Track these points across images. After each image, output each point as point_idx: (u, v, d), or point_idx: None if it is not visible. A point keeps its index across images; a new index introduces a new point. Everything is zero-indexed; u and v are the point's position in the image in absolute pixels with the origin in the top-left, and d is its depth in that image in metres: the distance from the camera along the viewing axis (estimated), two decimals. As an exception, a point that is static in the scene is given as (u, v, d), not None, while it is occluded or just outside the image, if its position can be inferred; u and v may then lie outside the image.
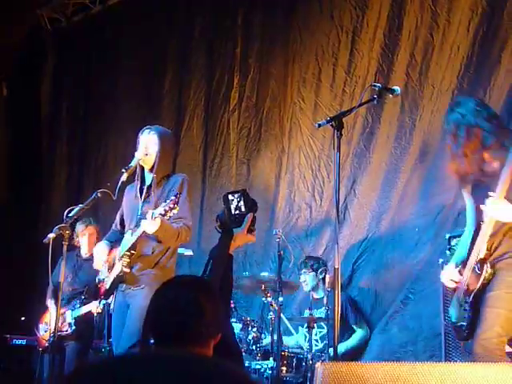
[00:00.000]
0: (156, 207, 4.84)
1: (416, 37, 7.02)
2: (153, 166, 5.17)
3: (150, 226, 4.78)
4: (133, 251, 4.99)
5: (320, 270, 6.91)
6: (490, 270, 4.23)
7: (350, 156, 7.39)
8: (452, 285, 4.60)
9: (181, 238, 5.06)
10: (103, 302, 5.82)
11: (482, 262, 4.26)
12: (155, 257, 5.09)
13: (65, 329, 6.90)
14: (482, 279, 4.23)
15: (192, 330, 2.59)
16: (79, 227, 7.26)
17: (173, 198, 4.71)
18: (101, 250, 5.23)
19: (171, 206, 4.67)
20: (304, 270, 6.95)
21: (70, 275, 7.13)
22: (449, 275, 4.59)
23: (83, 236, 7.28)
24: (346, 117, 4.34)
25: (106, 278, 5.17)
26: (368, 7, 7.48)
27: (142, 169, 5.28)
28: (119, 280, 5.06)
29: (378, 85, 4.44)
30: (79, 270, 7.27)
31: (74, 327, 6.91)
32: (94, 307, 6.79)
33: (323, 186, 7.64)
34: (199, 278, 3.02)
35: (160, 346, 2.62)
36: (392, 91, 4.48)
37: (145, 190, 5.21)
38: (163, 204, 4.73)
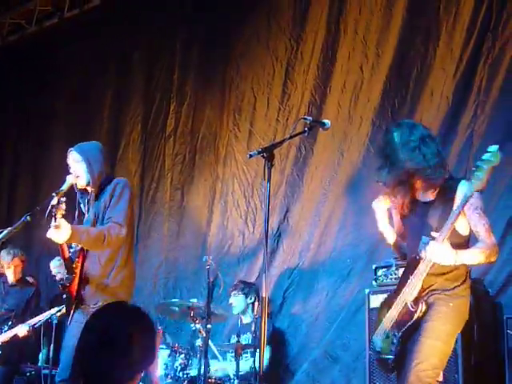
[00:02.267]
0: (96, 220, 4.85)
1: (348, 69, 7.18)
2: (87, 184, 5.13)
3: (53, 233, 4.65)
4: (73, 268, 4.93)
5: (250, 295, 6.95)
6: (424, 308, 4.19)
7: (284, 185, 7.47)
8: None
9: (109, 240, 4.84)
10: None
11: (416, 300, 4.21)
12: (102, 275, 4.96)
13: None
14: (415, 316, 4.20)
15: (121, 369, 2.54)
16: (5, 258, 7.25)
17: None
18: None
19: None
20: (234, 292, 6.98)
21: None
22: None
23: (9, 268, 7.28)
24: (276, 148, 4.38)
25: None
26: (303, 39, 7.62)
27: (80, 189, 5.23)
28: (70, 300, 4.93)
29: (309, 118, 4.47)
30: (6, 295, 7.22)
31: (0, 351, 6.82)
32: (21, 331, 6.72)
33: (256, 213, 7.69)
34: (125, 305, 2.89)
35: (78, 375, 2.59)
36: (322, 124, 4.51)
37: (86, 205, 5.15)
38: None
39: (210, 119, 8.45)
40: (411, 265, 4.30)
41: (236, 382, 5.97)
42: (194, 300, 6.44)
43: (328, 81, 7.32)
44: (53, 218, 4.58)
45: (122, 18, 9.57)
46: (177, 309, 6.45)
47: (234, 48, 8.38)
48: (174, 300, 6.95)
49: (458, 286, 4.26)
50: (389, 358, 4.34)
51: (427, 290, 4.25)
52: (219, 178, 8.16)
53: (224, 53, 8.46)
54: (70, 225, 4.67)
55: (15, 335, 6.79)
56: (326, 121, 4.52)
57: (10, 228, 5.01)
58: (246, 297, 6.96)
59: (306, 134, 4.51)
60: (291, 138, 4.62)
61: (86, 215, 5.08)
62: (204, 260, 6.38)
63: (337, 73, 7.27)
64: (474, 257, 4.13)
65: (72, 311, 5.00)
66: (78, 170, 5.09)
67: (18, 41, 10.69)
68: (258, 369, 4.21)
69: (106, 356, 2.53)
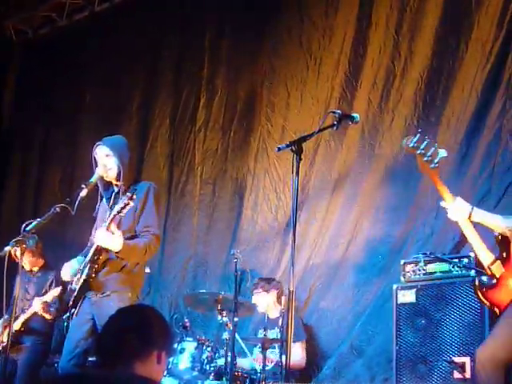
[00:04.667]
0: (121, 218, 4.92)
1: (379, 64, 7.14)
2: (117, 177, 5.19)
3: (105, 238, 4.85)
4: (97, 257, 4.99)
5: (271, 291, 6.95)
6: None
7: (313, 179, 7.46)
8: None
9: (150, 252, 5.09)
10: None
11: None
12: (122, 260, 5.08)
13: (4, 341, 6.89)
14: None
15: (130, 345, 2.67)
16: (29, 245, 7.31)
17: (128, 194, 4.78)
18: (69, 265, 5.22)
19: (126, 202, 4.74)
20: (255, 291, 6.99)
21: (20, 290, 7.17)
22: None
23: (29, 255, 7.26)
24: (305, 141, 4.37)
25: (75, 286, 5.13)
26: (334, 34, 7.59)
27: (105, 183, 5.30)
28: (86, 287, 5.04)
29: (338, 111, 4.47)
30: (28, 284, 7.30)
31: (12, 339, 6.90)
32: (35, 304, 6.95)
33: (286, 208, 7.67)
34: (147, 307, 3.04)
35: (103, 360, 2.69)
36: (351, 118, 4.50)
37: (112, 198, 5.23)
38: (118, 204, 4.81)
39: (241, 114, 8.44)
40: None
41: (262, 376, 5.97)
42: (222, 293, 6.46)
43: (359, 76, 7.29)
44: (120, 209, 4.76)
45: (151, 12, 9.59)
46: (204, 301, 6.46)
47: (265, 43, 8.35)
48: (201, 291, 6.97)
49: None
50: None
51: None
52: (250, 172, 8.15)
53: (255, 47, 8.44)
54: (123, 239, 4.85)
55: (34, 313, 6.93)
56: (355, 114, 4.52)
57: (39, 219, 5.05)
58: (268, 293, 6.96)
59: (335, 128, 4.50)
60: (320, 131, 4.60)
61: (113, 204, 5.14)
62: (232, 253, 6.39)
63: (368, 68, 7.23)
64: None
65: (80, 302, 5.09)
66: (109, 163, 5.15)
67: (48, 34, 10.77)
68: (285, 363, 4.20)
69: (124, 337, 2.68)
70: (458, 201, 4.45)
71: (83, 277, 5.03)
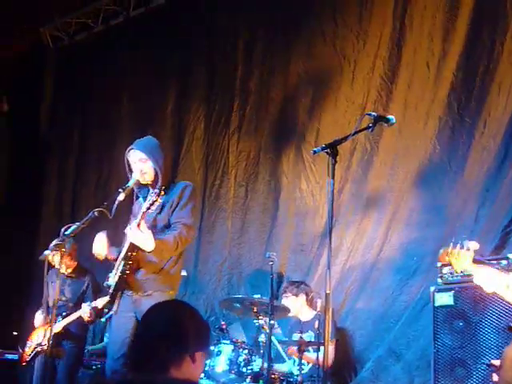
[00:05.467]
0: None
1: (414, 66, 7.11)
2: (154, 181, 5.23)
3: (136, 235, 4.88)
4: (131, 254, 5.03)
5: (300, 294, 6.95)
6: None
7: (349, 182, 7.44)
8: None
9: (182, 243, 5.07)
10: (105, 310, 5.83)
11: None
12: (160, 262, 5.11)
13: (44, 343, 6.95)
14: None
15: (165, 351, 2.67)
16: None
17: (156, 190, 4.87)
18: (100, 239, 5.25)
19: (154, 199, 4.82)
20: (284, 295, 7.00)
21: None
22: None
23: (66, 257, 7.29)
24: (341, 144, 4.37)
25: (111, 283, 5.16)
26: (369, 36, 7.57)
27: (140, 186, 5.34)
28: (122, 283, 5.08)
29: (373, 114, 4.47)
30: (63, 286, 7.35)
31: (51, 341, 6.95)
32: (84, 311, 6.91)
33: (322, 211, 7.64)
34: (182, 303, 3.01)
35: (136, 367, 2.71)
36: (387, 120, 4.50)
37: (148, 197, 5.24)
38: (147, 201, 4.87)
39: (275, 117, 8.44)
40: None
41: (299, 378, 5.97)
42: (258, 296, 6.47)
43: (394, 77, 7.26)
44: (149, 206, 4.84)
45: (185, 16, 9.66)
46: (240, 305, 6.47)
47: (299, 45, 8.34)
48: (237, 296, 6.99)
49: None
50: None
51: None
52: (285, 175, 8.14)
53: (289, 50, 8.43)
54: (153, 237, 4.88)
55: (79, 317, 6.95)
56: (390, 116, 4.51)
57: (78, 223, 5.10)
58: (297, 296, 6.96)
59: (371, 130, 4.50)
60: (355, 134, 4.59)
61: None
62: (268, 256, 6.39)
63: (403, 69, 7.20)
64: None
65: (118, 300, 5.12)
66: (144, 167, 5.19)
67: (84, 40, 10.89)
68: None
69: (161, 349, 2.67)
70: None
71: (118, 273, 5.05)
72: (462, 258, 4.29)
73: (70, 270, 7.45)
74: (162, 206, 5.13)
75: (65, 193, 10.68)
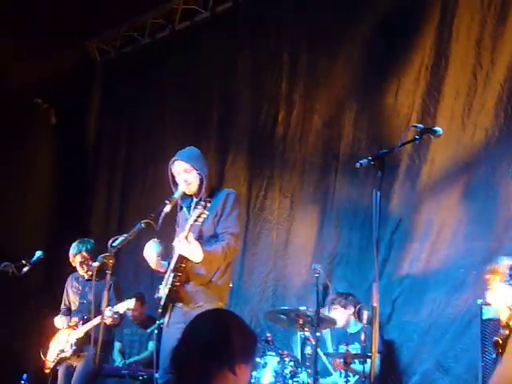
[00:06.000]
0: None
1: (460, 76, 7.05)
2: (199, 190, 5.28)
3: (185, 247, 4.94)
4: (180, 265, 5.07)
5: (348, 306, 6.92)
6: None
7: (396, 194, 7.37)
8: None
9: (230, 253, 5.13)
10: (158, 322, 5.84)
11: None
12: (208, 274, 5.16)
13: (66, 349, 7.00)
14: None
15: (209, 363, 2.63)
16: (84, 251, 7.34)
17: (202, 203, 4.91)
18: (149, 249, 5.28)
19: (201, 211, 4.86)
20: (332, 307, 6.98)
21: (77, 297, 7.32)
22: None
23: (84, 261, 7.32)
24: (387, 156, 4.35)
25: (162, 295, 5.21)
26: (414, 46, 7.52)
27: (184, 195, 5.38)
28: (172, 295, 5.12)
29: (420, 126, 4.45)
30: (84, 290, 7.38)
31: (74, 348, 6.99)
32: (106, 315, 6.79)
33: (368, 223, 7.58)
34: (228, 312, 2.98)
35: (179, 377, 2.68)
36: (433, 132, 4.46)
37: (192, 207, 5.31)
38: (193, 213, 4.91)
39: (319, 128, 8.42)
40: None
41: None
42: (303, 308, 6.46)
43: (440, 88, 7.19)
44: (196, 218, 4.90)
45: (228, 28, 9.71)
46: (285, 316, 6.47)
47: (342, 57, 8.32)
48: (282, 308, 6.99)
49: None
50: None
51: None
52: (330, 186, 8.11)
53: (332, 62, 8.41)
54: (201, 248, 4.95)
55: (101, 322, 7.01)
56: (437, 128, 4.48)
57: (125, 235, 5.16)
58: (345, 308, 6.93)
59: (417, 142, 4.47)
60: (402, 146, 4.58)
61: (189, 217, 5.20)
62: (313, 268, 6.38)
63: (449, 80, 7.12)
64: None
65: (169, 312, 5.16)
66: (189, 177, 5.24)
67: (130, 52, 11.03)
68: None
69: (203, 360, 2.63)
70: None
71: (168, 285, 5.09)
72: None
73: (90, 273, 7.43)
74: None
75: (112, 204, 10.79)
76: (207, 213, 4.91)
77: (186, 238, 4.91)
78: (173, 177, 5.37)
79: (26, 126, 11.22)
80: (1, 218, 10.70)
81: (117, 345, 8.70)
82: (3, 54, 10.10)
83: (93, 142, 11.31)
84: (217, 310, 3.00)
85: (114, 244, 5.11)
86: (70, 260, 7.35)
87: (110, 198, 10.89)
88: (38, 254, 6.99)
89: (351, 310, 6.94)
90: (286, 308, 6.91)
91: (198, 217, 4.89)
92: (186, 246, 4.93)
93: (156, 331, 6.54)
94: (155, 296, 5.26)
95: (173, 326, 5.16)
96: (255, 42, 9.41)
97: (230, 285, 5.63)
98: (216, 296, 5.16)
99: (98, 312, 6.85)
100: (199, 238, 5.10)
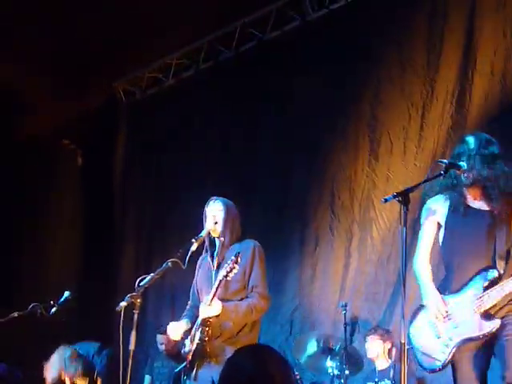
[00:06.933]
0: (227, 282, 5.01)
1: (485, 112, 7.04)
2: (221, 232, 5.32)
3: (206, 311, 4.98)
4: (207, 320, 5.08)
5: (387, 341, 6.86)
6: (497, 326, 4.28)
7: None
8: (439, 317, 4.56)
9: (256, 312, 5.13)
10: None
11: (489, 314, 4.33)
12: (235, 327, 5.15)
13: None
14: (486, 332, 4.32)
15: None
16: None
17: (233, 258, 4.87)
18: (177, 325, 5.32)
19: (231, 266, 4.83)
20: (371, 336, 6.92)
21: None
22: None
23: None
24: (412, 192, 4.34)
25: (189, 349, 5.23)
26: (437, 82, 7.54)
27: (211, 239, 5.41)
28: (200, 350, 5.11)
29: (445, 161, 4.45)
30: None
31: None
32: None
33: (396, 259, 7.44)
34: (267, 347, 2.93)
35: None
36: (458, 167, 4.48)
37: (215, 257, 5.32)
38: (223, 268, 4.90)
39: (344, 163, 8.44)
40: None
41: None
42: (331, 341, 6.43)
43: (465, 123, 7.19)
44: (226, 274, 4.88)
45: (253, 67, 9.76)
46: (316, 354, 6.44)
47: (366, 91, 8.36)
48: (311, 332, 6.93)
49: None
50: (437, 360, 4.46)
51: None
52: (356, 222, 8.09)
53: (357, 95, 8.45)
54: (220, 303, 4.95)
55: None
56: (462, 163, 4.48)
57: (152, 274, 5.16)
58: (384, 342, 6.88)
59: (442, 178, 4.47)
60: (426, 181, 4.57)
61: (219, 264, 5.24)
62: (341, 305, 6.35)
63: (474, 115, 7.13)
64: None
65: (197, 367, 5.16)
66: (218, 218, 5.28)
67: (155, 94, 11.14)
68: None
69: None
70: None
71: (196, 340, 5.11)
72: None
73: None
74: None
75: (140, 244, 10.82)
76: (238, 267, 4.91)
77: (210, 304, 4.95)
78: (206, 217, 5.41)
79: (52, 166, 11.37)
80: (30, 259, 10.80)
81: (146, 378, 8.73)
82: (30, 93, 10.27)
83: (119, 182, 11.37)
84: (254, 345, 2.96)
85: (141, 284, 5.12)
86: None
87: (138, 237, 10.91)
88: (66, 294, 7.01)
89: (388, 345, 6.88)
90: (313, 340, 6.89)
91: (229, 272, 4.89)
92: (209, 312, 4.99)
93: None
94: (182, 351, 5.30)
95: (201, 380, 5.17)
96: (280, 77, 9.40)
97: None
98: None
99: None
100: (226, 290, 5.13)
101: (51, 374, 6.94)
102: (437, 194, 4.79)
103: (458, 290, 4.55)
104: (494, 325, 4.31)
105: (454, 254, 4.73)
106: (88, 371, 7.22)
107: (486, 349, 4.46)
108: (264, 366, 2.68)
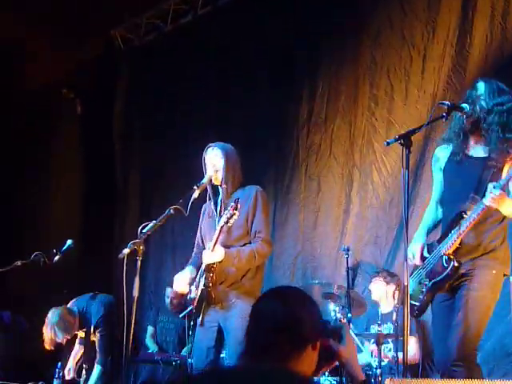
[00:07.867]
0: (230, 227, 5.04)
1: (486, 53, 6.98)
2: (225, 179, 5.30)
3: (208, 257, 5.04)
4: (211, 266, 5.11)
5: (391, 284, 6.90)
6: (455, 267, 4.38)
7: (425, 172, 7.28)
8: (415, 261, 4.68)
9: (259, 257, 5.18)
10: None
11: (449, 257, 4.41)
12: (238, 272, 5.20)
13: None
14: (445, 273, 4.40)
15: (283, 344, 2.57)
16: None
17: (232, 204, 4.90)
18: (182, 276, 5.36)
19: (231, 212, 4.87)
20: (375, 279, 6.96)
21: None
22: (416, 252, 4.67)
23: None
24: (414, 134, 4.32)
25: (194, 295, 5.27)
26: (438, 24, 7.45)
27: (214, 187, 5.41)
28: (205, 296, 5.16)
29: (447, 103, 4.42)
30: None
31: None
32: None
33: (397, 202, 7.46)
34: (295, 289, 2.90)
35: (253, 359, 2.61)
36: (461, 109, 4.46)
37: (219, 205, 5.35)
38: (224, 215, 4.93)
39: (344, 109, 8.36)
40: (456, 218, 4.45)
41: (378, 371, 5.94)
42: (335, 286, 6.46)
43: (467, 66, 7.13)
44: (227, 220, 4.93)
45: (252, 13, 9.61)
46: (316, 293, 6.48)
47: (366, 36, 8.25)
48: (314, 284, 6.97)
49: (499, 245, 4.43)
50: (415, 305, 4.58)
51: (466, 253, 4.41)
52: (356, 167, 8.07)
53: (356, 41, 8.36)
54: (223, 249, 5.00)
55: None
56: (464, 105, 4.47)
57: (154, 221, 5.17)
58: (387, 284, 6.91)
59: (445, 120, 4.45)
60: (428, 123, 4.57)
61: (222, 211, 5.24)
62: (343, 249, 6.37)
63: (475, 57, 7.06)
64: None
65: (203, 312, 5.20)
66: (219, 165, 5.27)
67: (154, 40, 11.03)
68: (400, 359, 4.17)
69: (276, 337, 2.58)
70: None
71: (201, 286, 5.17)
72: None
73: None
74: None
75: (143, 191, 10.81)
76: (238, 214, 4.93)
77: (213, 249, 5.00)
78: (205, 164, 5.41)
79: (52, 116, 11.31)
80: (31, 208, 10.82)
81: (149, 329, 8.76)
82: (29, 42, 10.18)
83: (119, 130, 11.31)
84: (281, 287, 2.93)
85: (143, 230, 5.13)
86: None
87: (141, 184, 10.89)
88: (69, 242, 7.04)
89: (392, 287, 6.91)
90: (317, 282, 6.94)
91: (229, 218, 4.92)
92: (212, 258, 5.05)
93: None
94: (187, 297, 5.34)
95: (206, 325, 5.22)
96: (279, 24, 9.25)
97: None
98: (248, 293, 5.16)
99: None
100: (229, 236, 5.17)
101: (47, 336, 7.03)
102: (446, 142, 4.79)
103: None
104: (450, 266, 4.40)
105: (444, 202, 4.75)
106: (83, 325, 7.33)
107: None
108: (292, 310, 2.65)
